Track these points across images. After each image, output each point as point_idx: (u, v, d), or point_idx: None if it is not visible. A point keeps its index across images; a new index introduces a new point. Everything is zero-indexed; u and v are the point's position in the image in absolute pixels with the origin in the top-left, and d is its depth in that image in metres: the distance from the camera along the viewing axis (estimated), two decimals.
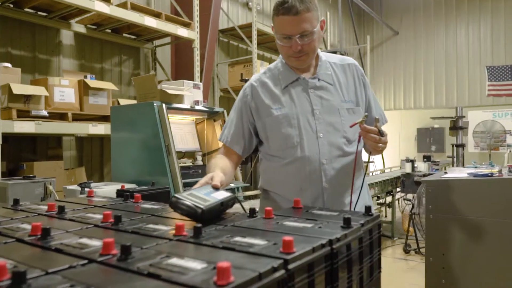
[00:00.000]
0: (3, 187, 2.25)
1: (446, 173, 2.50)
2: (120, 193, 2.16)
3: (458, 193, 2.19)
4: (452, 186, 2.21)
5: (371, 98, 1.64)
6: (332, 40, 10.33)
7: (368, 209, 1.03)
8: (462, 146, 4.87)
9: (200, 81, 5.64)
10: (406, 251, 4.75)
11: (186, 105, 3.07)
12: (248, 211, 1.04)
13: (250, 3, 7.33)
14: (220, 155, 1.63)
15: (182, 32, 5.07)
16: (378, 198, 5.18)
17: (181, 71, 6.06)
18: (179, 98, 2.94)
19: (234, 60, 7.16)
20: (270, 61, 8.52)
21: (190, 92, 3.07)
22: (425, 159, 5.64)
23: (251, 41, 6.57)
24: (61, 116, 3.79)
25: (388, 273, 4.26)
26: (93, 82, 3.99)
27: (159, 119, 2.72)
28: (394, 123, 11.17)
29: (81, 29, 4.84)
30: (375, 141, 1.37)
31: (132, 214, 1.11)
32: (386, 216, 6.26)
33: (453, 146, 4.88)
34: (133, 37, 5.51)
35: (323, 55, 1.62)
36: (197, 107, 3.09)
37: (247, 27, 6.73)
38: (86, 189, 2.36)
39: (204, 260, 0.64)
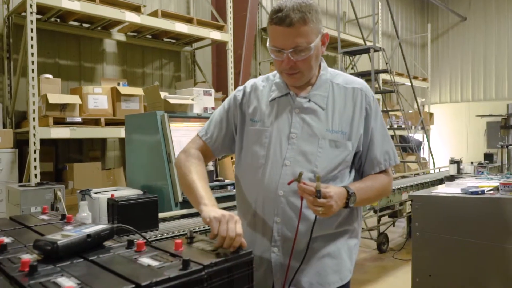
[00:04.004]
0: (17, 192, 2.53)
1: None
2: (109, 202, 2.30)
3: (446, 211, 2.02)
4: (440, 202, 2.04)
5: (375, 132, 1.36)
6: (384, 28, 9.82)
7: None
8: None
9: (239, 82, 5.74)
10: None
11: (194, 112, 3.17)
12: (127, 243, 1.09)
13: None
14: (197, 153, 1.45)
15: (215, 35, 5.18)
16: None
17: (222, 72, 6.19)
18: (184, 107, 3.04)
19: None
20: None
21: (196, 101, 3.15)
22: (485, 159, 5.20)
23: None
24: (96, 122, 4.12)
25: None
26: (124, 89, 4.26)
27: (161, 128, 2.84)
28: (461, 116, 10.35)
29: (121, 37, 5.17)
30: (310, 202, 1.16)
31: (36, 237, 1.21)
32: None
33: (502, 147, 4.39)
34: (173, 41, 5.75)
35: (328, 73, 1.40)
36: (204, 115, 3.17)
37: None
38: (86, 196, 2.56)
39: None
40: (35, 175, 3.60)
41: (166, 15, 4.71)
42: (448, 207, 2.02)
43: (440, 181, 4.89)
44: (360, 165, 1.37)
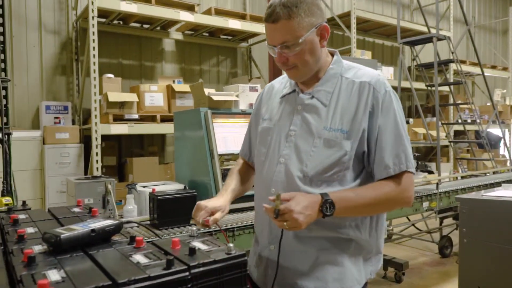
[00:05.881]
0: (73, 185, 2.73)
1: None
2: (150, 196, 2.40)
3: (498, 217, 1.81)
4: (491, 207, 1.83)
5: (384, 132, 1.21)
6: (459, 15, 9.06)
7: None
8: None
9: None
10: None
11: (238, 109, 3.19)
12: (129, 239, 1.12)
13: None
14: (241, 161, 1.57)
15: None
16: None
17: (278, 67, 6.15)
18: (228, 104, 3.06)
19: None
20: (384, 48, 7.96)
21: (242, 97, 3.16)
22: None
23: (350, 30, 6.26)
24: (152, 118, 4.31)
25: None
26: (178, 86, 4.41)
27: (204, 125, 2.89)
28: None
29: (179, 36, 5.35)
30: (274, 219, 1.12)
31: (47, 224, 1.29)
32: None
33: None
34: (229, 38, 5.83)
35: (340, 67, 1.31)
36: (248, 111, 3.17)
37: (347, 16, 6.42)
38: (132, 190, 2.69)
39: None
40: (97, 168, 3.87)
41: (220, 12, 4.78)
42: (501, 212, 1.80)
43: None
44: (371, 169, 1.26)
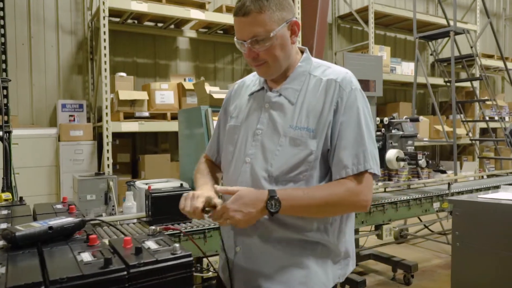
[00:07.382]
0: (77, 181, 2.81)
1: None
2: (146, 193, 2.43)
3: (495, 221, 1.72)
4: (484, 209, 1.75)
5: (346, 130, 1.18)
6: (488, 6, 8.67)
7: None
8: None
9: None
10: None
11: None
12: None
13: None
14: (203, 160, 1.53)
15: None
16: None
17: None
18: None
19: (351, 47, 6.80)
20: (406, 43, 7.74)
21: None
22: None
23: (368, 25, 6.12)
24: (163, 116, 4.37)
25: None
26: (188, 84, 4.45)
27: (205, 123, 2.90)
28: None
29: (192, 34, 5.39)
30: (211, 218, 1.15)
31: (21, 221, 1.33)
32: None
33: None
34: None
35: (309, 65, 1.28)
36: None
37: (365, 10, 6.28)
38: (131, 187, 2.74)
39: None
40: (108, 165, 3.96)
41: (231, 9, 4.77)
42: (495, 215, 1.71)
43: None
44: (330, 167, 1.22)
